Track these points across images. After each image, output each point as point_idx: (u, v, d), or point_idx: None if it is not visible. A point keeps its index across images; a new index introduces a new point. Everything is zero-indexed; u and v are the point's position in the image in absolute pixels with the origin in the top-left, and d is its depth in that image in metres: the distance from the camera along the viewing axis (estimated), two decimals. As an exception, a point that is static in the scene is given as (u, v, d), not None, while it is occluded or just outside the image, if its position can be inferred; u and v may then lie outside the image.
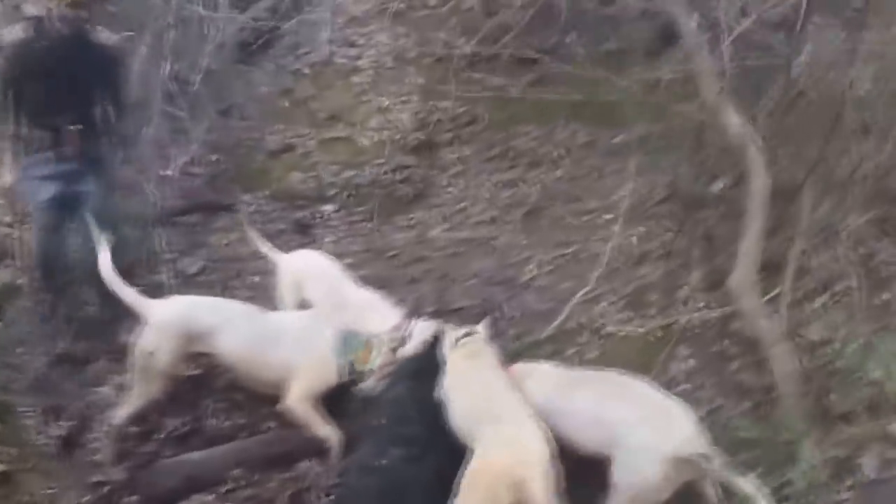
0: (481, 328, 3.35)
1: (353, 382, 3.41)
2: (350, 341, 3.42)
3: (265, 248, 4.23)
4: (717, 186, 3.84)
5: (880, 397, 3.07)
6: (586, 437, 2.82)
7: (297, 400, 3.34)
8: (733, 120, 3.38)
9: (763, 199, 3.22)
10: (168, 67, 5.30)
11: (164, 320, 3.45)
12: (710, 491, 2.78)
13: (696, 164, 4.11)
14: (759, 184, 3.22)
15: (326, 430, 3.33)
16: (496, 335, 3.76)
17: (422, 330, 3.46)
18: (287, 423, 3.43)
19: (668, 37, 4.96)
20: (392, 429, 2.96)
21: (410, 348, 3.42)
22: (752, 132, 3.34)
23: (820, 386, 3.24)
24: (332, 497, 3.17)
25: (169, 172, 5.29)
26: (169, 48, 5.32)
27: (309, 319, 3.60)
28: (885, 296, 3.55)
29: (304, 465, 3.28)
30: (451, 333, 3.34)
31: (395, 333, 3.48)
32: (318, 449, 3.34)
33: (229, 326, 3.46)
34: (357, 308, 3.67)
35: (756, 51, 3.97)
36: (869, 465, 2.97)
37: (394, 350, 3.43)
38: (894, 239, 3.86)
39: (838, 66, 3.45)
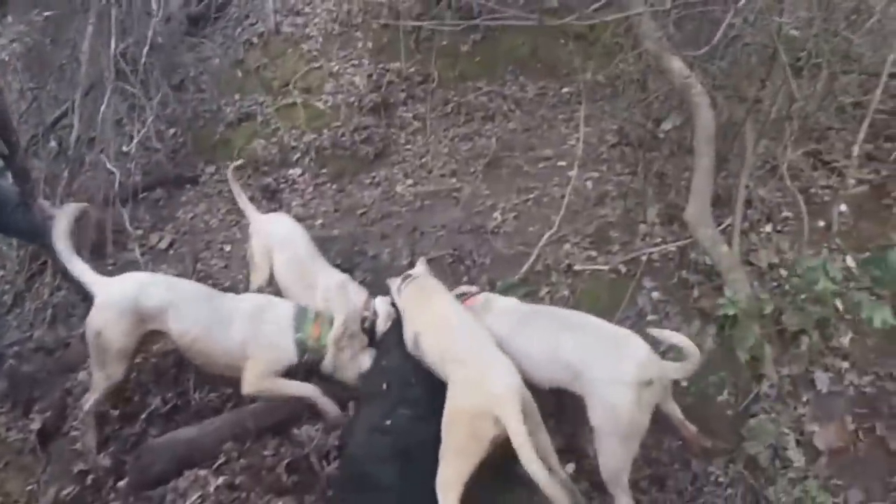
0: (418, 268, 3.25)
1: (313, 360, 3.19)
2: (300, 319, 3.18)
3: (245, 204, 3.93)
4: (667, 126, 3.73)
5: (827, 316, 3.02)
6: (548, 375, 2.74)
7: (256, 380, 3.09)
8: (675, 65, 3.24)
9: (708, 136, 3.13)
10: (115, 45, 4.82)
11: (112, 299, 3.10)
12: (674, 407, 2.78)
13: (643, 108, 3.97)
14: (704, 122, 3.12)
15: (302, 389, 3.12)
16: (469, 282, 3.66)
17: (382, 304, 3.31)
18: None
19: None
20: (396, 392, 2.83)
21: (382, 323, 3.26)
22: (694, 76, 3.21)
23: (773, 307, 3.22)
24: (333, 461, 2.98)
25: (127, 149, 4.88)
26: (115, 25, 4.85)
27: (263, 299, 3.32)
28: (822, 222, 3.57)
29: (300, 432, 3.06)
30: (391, 283, 3.24)
31: (358, 313, 3.28)
32: (312, 413, 3.14)
33: (182, 305, 3.14)
34: (324, 289, 3.40)
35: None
36: (821, 379, 3.00)
37: (364, 326, 3.24)
38: (827, 170, 3.88)
39: (771, 10, 3.34)
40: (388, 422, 2.70)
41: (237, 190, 3.96)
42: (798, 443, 2.78)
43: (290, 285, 3.50)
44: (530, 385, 2.67)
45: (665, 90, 3.77)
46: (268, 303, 3.27)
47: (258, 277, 3.66)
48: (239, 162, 4.44)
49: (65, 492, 2.98)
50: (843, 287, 2.95)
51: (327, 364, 3.18)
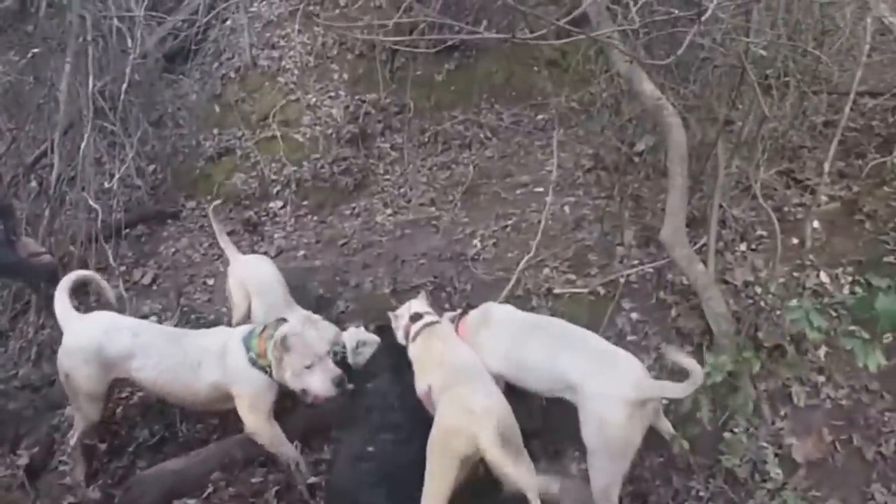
0: (419, 302, 3.27)
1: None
2: (248, 339, 3.13)
3: (226, 244, 3.99)
4: (640, 147, 3.84)
5: (801, 332, 3.11)
6: (546, 387, 2.81)
7: (258, 422, 3.06)
8: (647, 87, 3.34)
9: (682, 156, 3.23)
10: (93, 83, 4.89)
11: (75, 344, 3.11)
12: (666, 424, 2.86)
13: (617, 131, 4.09)
14: (677, 142, 3.21)
15: (291, 452, 3.08)
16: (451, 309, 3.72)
17: (350, 336, 3.36)
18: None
19: (577, 20, 4.94)
20: (378, 417, 2.89)
21: (350, 354, 3.32)
22: (665, 98, 3.32)
23: (749, 324, 3.30)
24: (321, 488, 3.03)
25: (108, 185, 4.93)
26: (92, 64, 4.92)
27: (224, 334, 3.24)
28: (795, 239, 3.68)
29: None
30: (394, 318, 3.24)
31: (332, 347, 3.30)
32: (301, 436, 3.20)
33: (146, 351, 3.10)
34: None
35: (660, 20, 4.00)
36: (797, 394, 3.09)
37: (336, 359, 3.22)
38: (800, 188, 4.00)
39: (737, 31, 3.48)
40: (371, 448, 2.76)
41: (219, 228, 4.03)
42: (777, 456, 2.85)
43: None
44: (531, 393, 2.78)
45: (638, 112, 3.86)
46: (229, 336, 3.20)
47: (237, 314, 3.74)
48: (218, 201, 4.50)
49: (54, 527, 2.99)
50: (831, 329, 3.04)
51: (276, 377, 3.09)
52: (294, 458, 3.06)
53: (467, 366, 2.87)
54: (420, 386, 2.94)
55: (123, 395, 3.61)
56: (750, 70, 3.30)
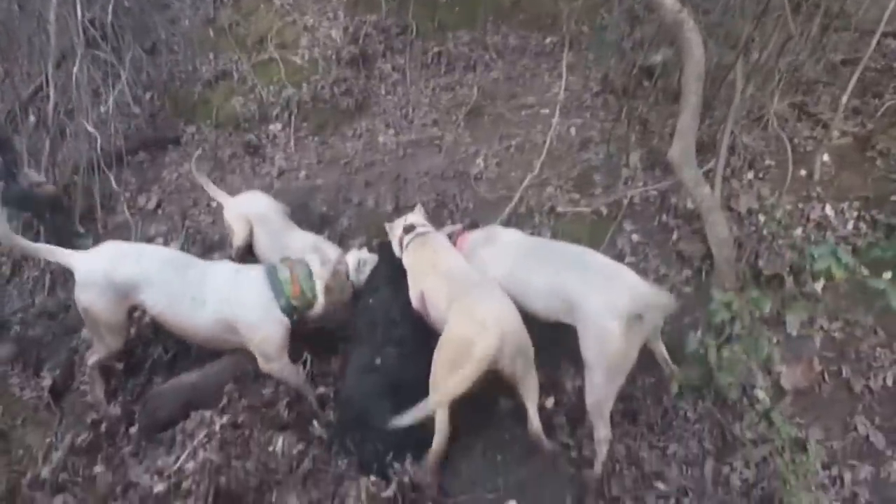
0: (416, 215, 3.32)
1: (304, 316, 3.23)
2: (276, 285, 3.16)
3: (215, 192, 3.99)
4: (657, 59, 3.75)
5: (802, 261, 3.21)
6: (547, 306, 2.86)
7: (275, 359, 3.13)
8: (667, 0, 3.24)
9: (698, 73, 3.11)
10: (82, 13, 4.78)
11: (87, 277, 3.14)
12: (660, 346, 2.95)
13: (628, 51, 4.00)
14: (695, 59, 3.10)
15: (306, 388, 3.19)
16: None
17: (352, 256, 3.41)
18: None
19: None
20: (382, 332, 2.96)
21: (353, 273, 3.36)
22: (686, 11, 3.23)
23: (750, 251, 3.35)
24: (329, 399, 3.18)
25: (105, 109, 4.92)
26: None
27: (231, 273, 3.24)
28: (803, 171, 3.68)
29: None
30: (390, 228, 3.34)
31: (343, 257, 3.37)
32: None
33: (154, 280, 3.13)
34: (298, 251, 3.50)
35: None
36: (791, 322, 3.14)
37: (346, 275, 3.32)
38: (812, 121, 3.97)
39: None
40: (378, 361, 2.86)
41: (204, 181, 4.00)
42: (766, 381, 2.93)
43: (269, 255, 3.62)
44: (531, 316, 2.82)
45: (654, 31, 3.80)
46: (239, 277, 3.20)
47: (238, 240, 3.75)
48: (199, 152, 4.46)
49: (80, 439, 3.15)
50: (821, 233, 3.04)
51: (318, 312, 3.24)
52: (307, 391, 3.18)
53: (468, 274, 2.92)
54: (413, 293, 3.02)
55: (135, 315, 3.70)
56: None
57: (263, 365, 3.13)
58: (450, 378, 2.52)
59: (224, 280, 3.18)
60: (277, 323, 3.12)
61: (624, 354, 2.65)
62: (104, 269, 3.13)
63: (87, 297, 3.13)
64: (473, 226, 3.42)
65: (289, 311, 3.14)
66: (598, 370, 2.67)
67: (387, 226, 3.39)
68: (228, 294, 3.13)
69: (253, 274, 3.21)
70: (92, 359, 3.33)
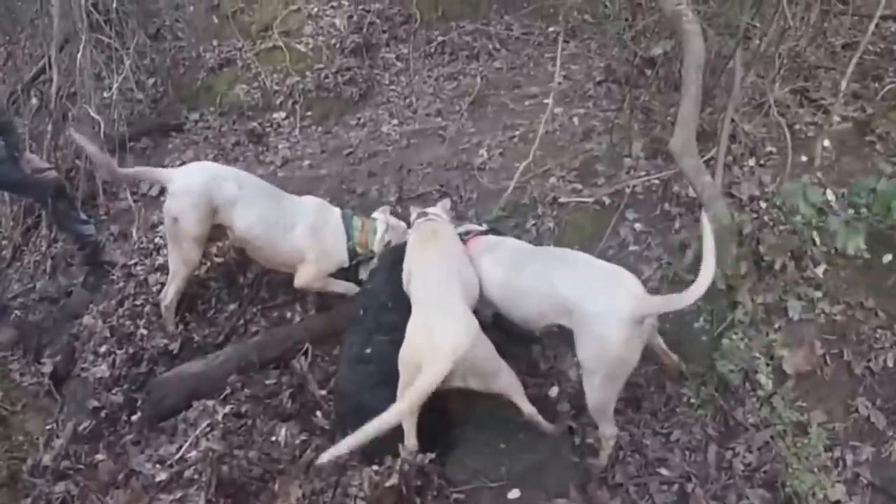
0: (437, 208, 3.36)
1: (357, 264, 3.54)
2: (350, 228, 3.47)
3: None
4: (658, 51, 3.75)
5: (803, 248, 3.19)
6: (543, 311, 2.80)
7: (311, 280, 3.42)
8: None
9: (698, 65, 3.09)
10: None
11: (184, 188, 3.30)
12: (658, 339, 2.92)
13: (630, 40, 4.01)
14: (694, 50, 3.06)
15: (343, 287, 3.49)
16: (456, 217, 3.78)
17: (381, 222, 3.60)
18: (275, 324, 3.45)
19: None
20: (373, 318, 2.95)
21: (378, 243, 3.53)
22: (685, 3, 3.23)
23: (751, 237, 3.35)
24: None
25: (108, 95, 4.94)
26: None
27: (321, 208, 3.57)
28: (804, 157, 3.68)
29: (299, 364, 3.28)
30: (413, 214, 3.34)
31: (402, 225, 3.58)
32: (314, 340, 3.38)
33: (248, 202, 3.35)
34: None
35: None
36: (794, 307, 3.14)
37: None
38: (813, 107, 3.96)
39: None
40: (368, 350, 2.85)
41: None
42: (768, 366, 2.90)
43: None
44: (525, 323, 2.81)
45: (654, 22, 3.76)
46: (326, 212, 3.54)
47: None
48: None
49: (82, 426, 3.19)
50: (822, 218, 3.06)
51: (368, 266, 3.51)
52: (348, 290, 3.50)
53: (441, 279, 2.81)
54: (404, 273, 3.01)
55: (138, 303, 3.74)
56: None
57: (303, 282, 3.43)
58: (409, 388, 2.48)
59: (314, 211, 3.50)
60: (338, 260, 3.47)
61: (624, 359, 2.59)
62: (204, 183, 3.31)
63: (179, 206, 3.29)
64: (495, 232, 3.41)
65: (352, 254, 3.47)
66: (599, 376, 2.61)
67: (411, 209, 3.45)
68: (314, 223, 3.43)
69: (336, 212, 3.56)
70: (171, 290, 3.47)
